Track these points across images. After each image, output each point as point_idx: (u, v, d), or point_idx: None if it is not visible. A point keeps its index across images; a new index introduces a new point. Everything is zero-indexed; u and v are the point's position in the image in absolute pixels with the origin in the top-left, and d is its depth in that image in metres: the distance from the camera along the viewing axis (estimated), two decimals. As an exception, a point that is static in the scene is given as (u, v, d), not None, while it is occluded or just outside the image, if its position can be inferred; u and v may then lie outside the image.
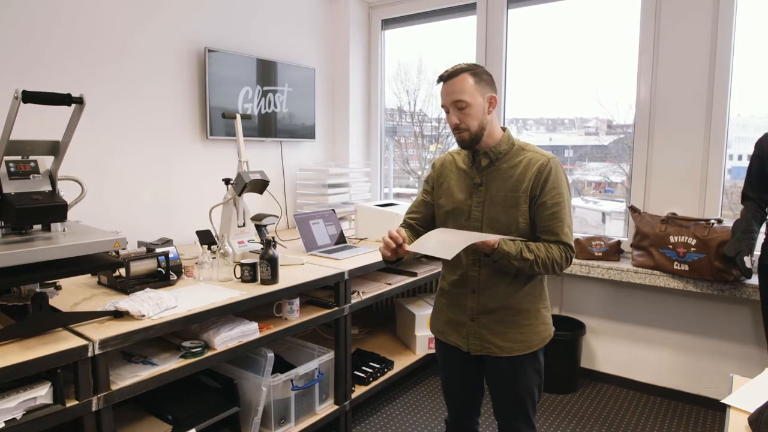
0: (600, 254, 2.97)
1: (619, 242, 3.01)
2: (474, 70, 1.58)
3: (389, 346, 3.24)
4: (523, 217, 1.59)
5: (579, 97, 3.32)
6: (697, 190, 2.80)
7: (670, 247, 2.68)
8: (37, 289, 1.63)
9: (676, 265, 2.67)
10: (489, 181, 1.63)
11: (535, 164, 1.59)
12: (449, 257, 1.40)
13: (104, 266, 1.72)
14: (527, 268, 1.54)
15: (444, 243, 1.49)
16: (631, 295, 3.04)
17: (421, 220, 1.80)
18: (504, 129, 1.68)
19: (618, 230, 3.26)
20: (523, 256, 1.52)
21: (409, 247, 1.53)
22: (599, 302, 3.15)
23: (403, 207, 3.24)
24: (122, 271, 1.99)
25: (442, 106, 1.62)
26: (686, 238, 2.63)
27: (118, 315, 1.72)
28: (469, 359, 1.73)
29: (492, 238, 1.50)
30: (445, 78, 1.59)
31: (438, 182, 1.76)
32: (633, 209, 2.92)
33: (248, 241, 2.57)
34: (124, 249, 1.78)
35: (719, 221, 2.62)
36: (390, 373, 2.88)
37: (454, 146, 1.72)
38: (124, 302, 1.74)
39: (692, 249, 2.61)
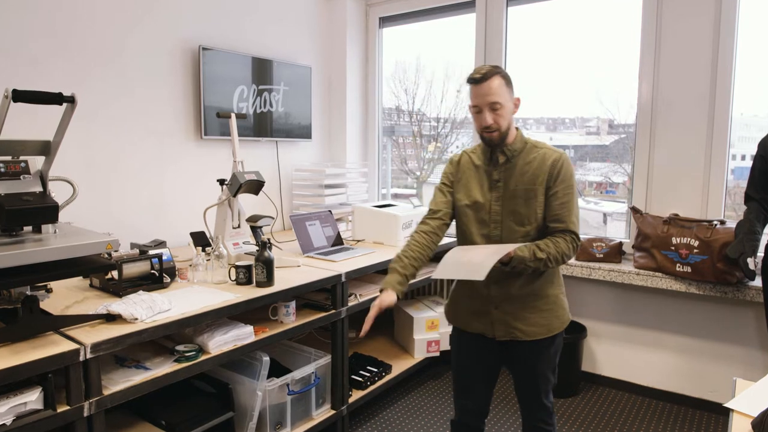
0: (601, 256, 2.98)
1: (620, 244, 3.01)
2: (501, 72, 1.72)
3: (387, 350, 3.24)
4: (540, 208, 1.74)
5: (580, 97, 3.33)
6: (700, 191, 2.81)
7: (673, 248, 2.69)
8: (28, 292, 1.63)
9: (679, 266, 2.67)
10: (506, 177, 1.77)
11: (549, 159, 1.73)
12: (482, 278, 1.52)
13: (96, 268, 1.72)
14: (542, 266, 1.68)
15: (470, 264, 1.61)
16: (632, 298, 3.05)
17: (447, 215, 1.87)
18: (517, 129, 1.81)
19: (619, 231, 3.26)
20: (536, 256, 1.66)
21: (435, 275, 1.64)
22: (600, 305, 3.15)
23: (400, 208, 3.24)
24: (115, 274, 1.98)
25: (474, 106, 1.72)
26: (689, 239, 2.64)
27: (111, 318, 1.72)
28: (492, 345, 1.84)
29: (509, 247, 1.63)
30: (480, 80, 1.69)
31: (456, 177, 1.87)
32: (635, 210, 2.93)
33: (243, 243, 2.56)
34: (116, 251, 1.77)
35: (722, 222, 2.63)
36: (388, 377, 2.88)
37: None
38: (116, 305, 1.74)
39: (695, 250, 2.61)
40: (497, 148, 1.76)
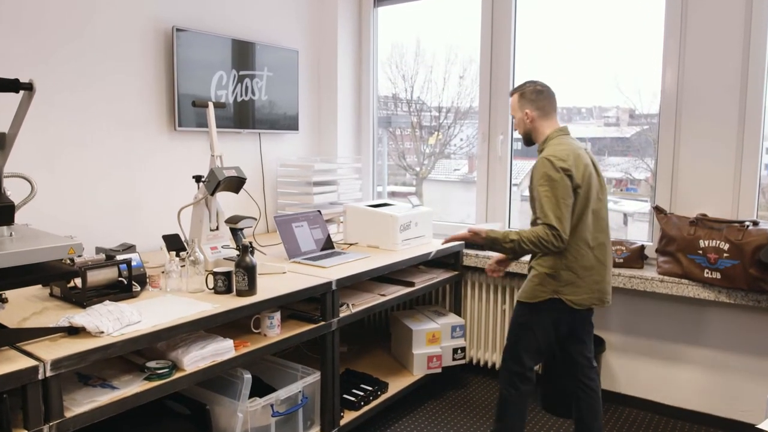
0: (621, 261, 2.99)
1: (642, 247, 3.03)
2: (522, 90, 2.37)
3: (383, 366, 3.24)
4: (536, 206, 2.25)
5: (597, 84, 3.34)
6: (730, 189, 2.82)
7: (700, 252, 2.70)
8: (-20, 303, 1.62)
9: (707, 272, 2.69)
10: None
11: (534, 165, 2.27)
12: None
13: (57, 276, 1.71)
14: (517, 247, 2.21)
15: None
16: (656, 307, 3.06)
17: None
18: (560, 130, 2.35)
19: (641, 233, 3.28)
20: (510, 238, 2.22)
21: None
22: (620, 315, 3.16)
23: (398, 207, 3.25)
24: (78, 282, 1.98)
25: None
26: (718, 242, 2.65)
27: (73, 332, 1.71)
28: None
29: (482, 227, 2.37)
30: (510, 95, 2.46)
31: None
32: (658, 210, 2.94)
33: (222, 247, 2.56)
34: (80, 256, 1.77)
35: (755, 223, 2.64)
36: (384, 397, 2.88)
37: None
38: (79, 317, 1.73)
39: (725, 254, 2.63)
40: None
